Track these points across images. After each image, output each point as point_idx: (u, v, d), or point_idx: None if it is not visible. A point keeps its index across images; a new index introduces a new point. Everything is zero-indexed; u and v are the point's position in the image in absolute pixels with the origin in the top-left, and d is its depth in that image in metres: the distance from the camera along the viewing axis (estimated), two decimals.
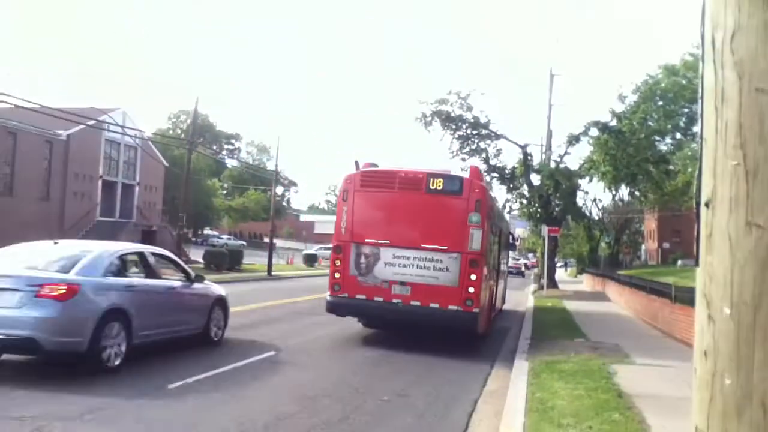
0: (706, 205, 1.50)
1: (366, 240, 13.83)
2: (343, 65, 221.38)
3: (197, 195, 61.78)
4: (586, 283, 47.88)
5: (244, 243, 73.46)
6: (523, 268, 70.41)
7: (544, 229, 34.40)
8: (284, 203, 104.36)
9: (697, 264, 1.53)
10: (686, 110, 42.48)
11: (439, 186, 13.90)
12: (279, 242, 61.59)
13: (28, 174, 36.19)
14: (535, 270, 56.75)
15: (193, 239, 70.47)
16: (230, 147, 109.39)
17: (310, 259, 56.09)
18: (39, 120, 33.84)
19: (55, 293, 8.67)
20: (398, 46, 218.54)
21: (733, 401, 1.40)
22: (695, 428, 1.49)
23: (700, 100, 1.55)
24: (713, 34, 1.51)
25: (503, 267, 22.55)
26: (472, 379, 10.73)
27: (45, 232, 37.14)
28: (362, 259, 13.79)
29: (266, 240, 53.35)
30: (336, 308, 14.36)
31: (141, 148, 45.69)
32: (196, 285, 12.50)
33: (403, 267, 13.54)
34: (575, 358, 11.87)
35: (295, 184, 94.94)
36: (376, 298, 13.57)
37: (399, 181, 14.18)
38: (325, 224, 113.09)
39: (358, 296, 13.73)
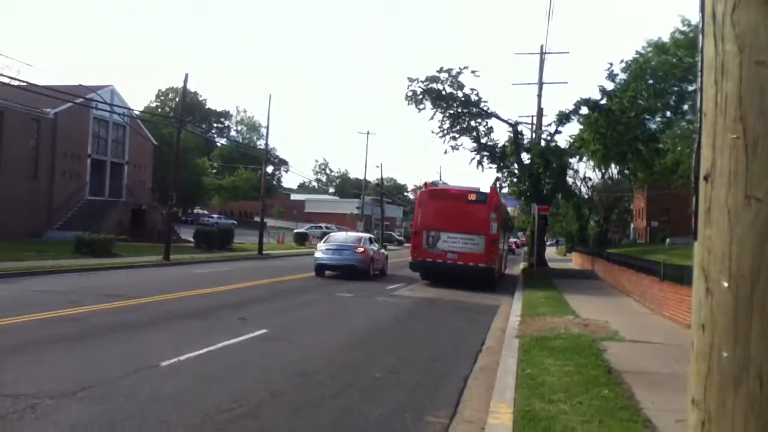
0: (705, 178, 1.49)
1: (432, 227, 23.86)
2: (336, 43, 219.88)
3: (187, 174, 61.42)
4: (575, 261, 48.17)
5: (235, 222, 73.24)
6: (514, 247, 70.68)
7: (534, 208, 34.46)
8: (274, 182, 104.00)
9: (695, 238, 1.53)
10: (676, 88, 42.44)
11: (473, 198, 24.24)
12: (269, 221, 61.50)
13: (16, 153, 35.76)
14: (525, 248, 57.00)
15: (183, 218, 70.26)
16: (220, 125, 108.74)
17: (301, 238, 56.11)
18: (26, 98, 33.47)
19: (360, 251, 24.94)
20: (390, 23, 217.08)
21: (731, 374, 1.41)
22: (692, 400, 1.50)
23: (699, 74, 1.54)
24: (714, 7, 1.49)
25: (506, 246, 35.48)
26: (462, 356, 10.81)
27: (34, 211, 36.93)
28: (430, 239, 23.83)
29: (257, 219, 53.26)
30: (415, 266, 24.73)
31: (130, 126, 45.27)
32: (381, 250, 29.81)
33: (453, 243, 23.47)
34: (565, 334, 11.96)
35: (285, 163, 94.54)
36: (437, 260, 23.59)
37: (450, 194, 24.85)
38: (316, 203, 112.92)
39: (427, 259, 23.83)
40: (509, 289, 24.34)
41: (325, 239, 27.48)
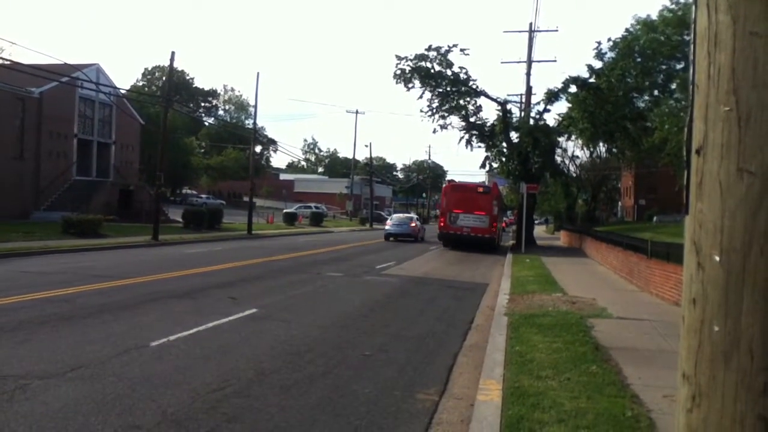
0: (697, 151, 1.48)
1: (453, 210, 33.38)
2: (323, 21, 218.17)
3: (175, 154, 60.97)
4: (563, 239, 48.39)
5: (223, 202, 72.96)
6: (504, 225, 71.26)
7: (523, 186, 34.53)
8: (263, 162, 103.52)
9: (686, 211, 1.52)
10: (664, 67, 42.45)
11: (481, 190, 34.93)
12: (258, 201, 61.28)
13: (1, 133, 35.37)
14: (514, 227, 57.24)
15: (172, 198, 69.91)
16: (207, 105, 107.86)
17: (290, 218, 56.01)
18: (10, 77, 33.02)
19: (413, 225, 41.58)
20: (378, 1, 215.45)
21: (721, 348, 1.41)
22: (682, 375, 1.50)
23: (692, 45, 1.52)
24: None
25: (502, 223, 46.93)
26: (452, 333, 10.86)
27: (20, 191, 36.61)
28: (451, 218, 33.37)
29: (245, 199, 53.12)
30: (441, 236, 34.58)
31: (116, 105, 44.81)
32: (423, 225, 47.37)
33: (467, 220, 33.04)
34: (553, 312, 12.04)
35: (274, 143, 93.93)
36: (457, 232, 33.16)
37: (466, 188, 35.29)
38: (305, 183, 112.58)
39: (450, 231, 33.48)
40: (498, 266, 24.48)
41: (390, 218, 46.16)
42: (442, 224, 34.54)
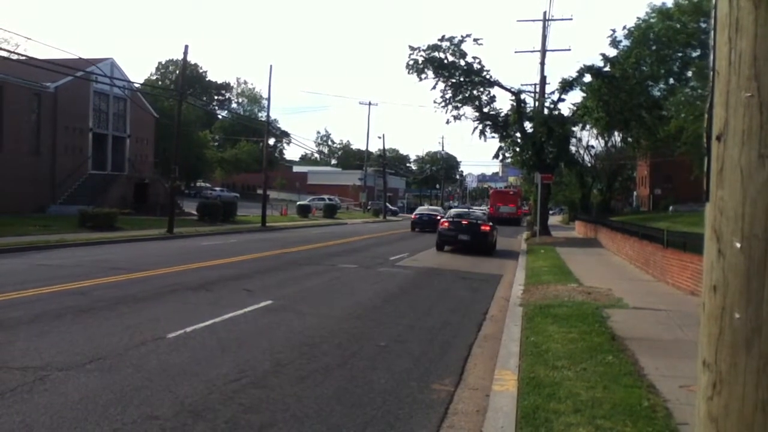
0: (718, 138, 1.47)
1: (497, 204, 65.20)
2: (336, 13, 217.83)
3: (189, 147, 61.22)
4: (578, 229, 48.11)
5: (238, 195, 73.19)
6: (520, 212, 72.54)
7: (537, 177, 34.34)
8: (276, 154, 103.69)
9: (707, 199, 1.51)
10: (680, 54, 42.03)
11: (511, 193, 71.55)
12: (272, 193, 61.51)
13: (17, 128, 35.62)
14: (528, 217, 57.11)
15: (186, 191, 70.20)
16: (221, 98, 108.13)
17: (304, 210, 56.14)
18: (26, 72, 33.26)
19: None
20: None
21: (743, 335, 1.40)
22: (702, 362, 1.50)
23: (712, 31, 1.51)
24: None
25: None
26: (467, 324, 10.86)
27: (37, 185, 36.93)
28: (496, 208, 62.78)
29: (259, 192, 53.29)
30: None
31: (131, 99, 45.04)
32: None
33: (505, 209, 62.99)
34: (569, 302, 12.00)
35: (287, 135, 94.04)
36: (499, 216, 54.82)
37: (502, 191, 76.86)
38: (318, 175, 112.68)
39: (495, 216, 46.52)
40: (512, 258, 24.42)
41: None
42: (491, 212, 56.51)
